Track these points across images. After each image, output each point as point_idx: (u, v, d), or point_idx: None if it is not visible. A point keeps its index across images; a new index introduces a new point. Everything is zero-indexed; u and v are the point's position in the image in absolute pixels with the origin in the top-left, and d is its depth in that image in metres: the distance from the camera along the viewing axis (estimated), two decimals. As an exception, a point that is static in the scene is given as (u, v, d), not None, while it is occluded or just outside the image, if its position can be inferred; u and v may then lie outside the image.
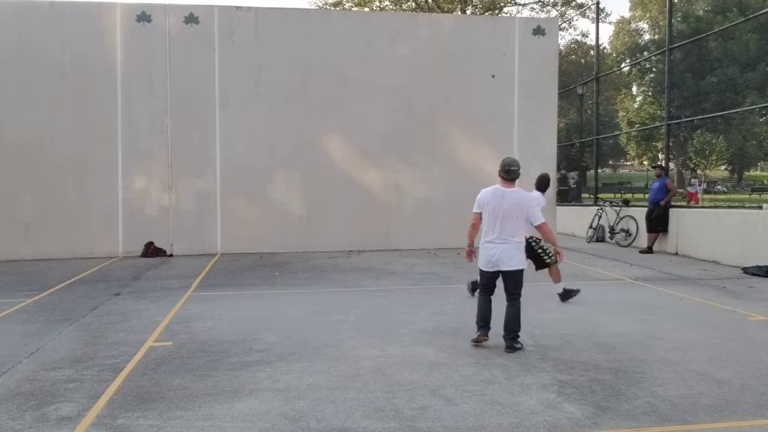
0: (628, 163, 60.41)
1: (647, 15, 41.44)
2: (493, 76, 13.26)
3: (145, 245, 12.21)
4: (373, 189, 13.10)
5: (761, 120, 36.52)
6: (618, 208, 14.49)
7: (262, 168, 12.65)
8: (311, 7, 33.02)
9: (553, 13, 35.41)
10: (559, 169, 16.60)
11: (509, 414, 4.00)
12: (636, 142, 40.97)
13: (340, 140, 12.94)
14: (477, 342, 5.58)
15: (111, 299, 7.90)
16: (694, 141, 35.76)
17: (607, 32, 74.34)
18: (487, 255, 5.57)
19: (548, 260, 7.22)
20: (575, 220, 16.63)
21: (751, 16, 22.48)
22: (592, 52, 35.19)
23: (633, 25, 43.67)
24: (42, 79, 11.98)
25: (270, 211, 12.72)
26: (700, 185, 30.75)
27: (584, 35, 45.93)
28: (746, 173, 57.41)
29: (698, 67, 33.71)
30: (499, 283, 5.66)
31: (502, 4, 35.49)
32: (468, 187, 13.33)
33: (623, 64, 38.95)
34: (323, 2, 33.44)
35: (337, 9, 30.92)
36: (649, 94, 39.66)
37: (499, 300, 5.66)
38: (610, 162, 57.72)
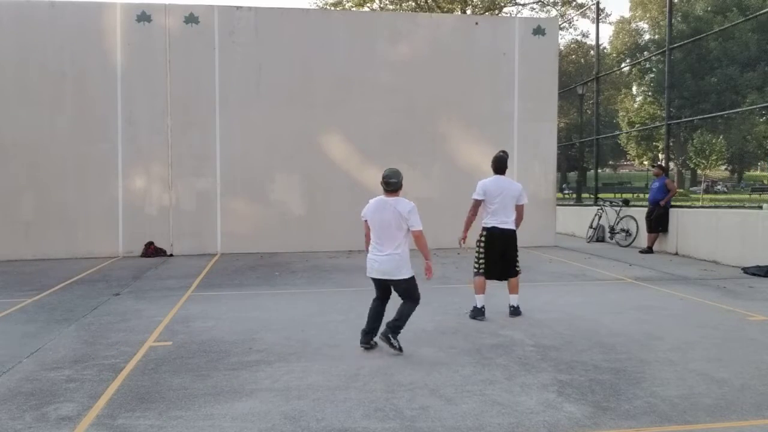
0: (628, 163, 60.43)
1: (647, 15, 41.51)
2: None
3: (145, 245, 12.22)
4: (373, 189, 13.02)
5: (761, 120, 36.54)
6: (618, 208, 14.48)
7: (262, 168, 12.65)
8: (311, 7, 33.06)
9: (553, 13, 35.43)
10: (559, 169, 16.59)
11: (509, 414, 4.00)
12: (636, 142, 41.05)
13: (340, 140, 12.94)
14: None
15: (111, 299, 7.90)
16: (694, 141, 35.78)
17: (607, 32, 74.44)
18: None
19: None
20: (575, 220, 16.63)
21: (751, 16, 22.50)
22: (592, 52, 35.20)
23: (633, 25, 43.74)
24: (42, 79, 11.99)
25: (270, 211, 12.72)
26: None
27: (584, 35, 45.95)
28: (746, 173, 57.51)
29: (698, 67, 33.76)
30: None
31: (502, 4, 35.53)
32: (468, 187, 13.44)
33: (623, 64, 38.98)
34: (323, 2, 33.47)
35: (337, 9, 30.94)
36: (649, 94, 39.73)
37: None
38: (610, 162, 57.77)
